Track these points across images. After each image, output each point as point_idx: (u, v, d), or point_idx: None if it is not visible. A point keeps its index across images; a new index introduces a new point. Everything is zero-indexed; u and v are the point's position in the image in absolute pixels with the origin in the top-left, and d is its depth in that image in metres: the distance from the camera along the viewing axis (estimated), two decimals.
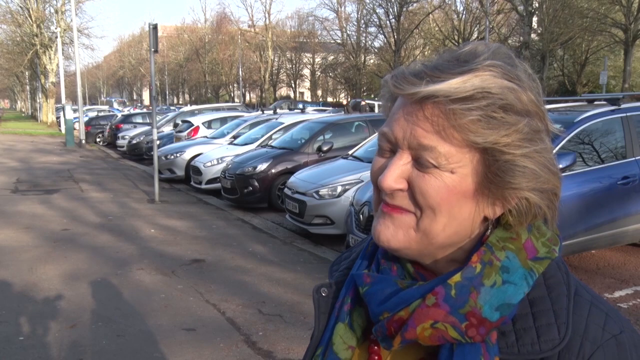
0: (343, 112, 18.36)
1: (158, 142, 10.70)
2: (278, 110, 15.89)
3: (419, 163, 0.65)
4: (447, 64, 0.64)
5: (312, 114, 13.22)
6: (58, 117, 33.24)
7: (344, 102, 22.90)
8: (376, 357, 0.74)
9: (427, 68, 0.65)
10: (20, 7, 36.61)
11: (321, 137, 9.11)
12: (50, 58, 35.35)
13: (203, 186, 10.53)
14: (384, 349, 0.73)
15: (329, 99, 55.90)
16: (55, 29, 29.61)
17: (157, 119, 14.47)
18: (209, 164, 10.51)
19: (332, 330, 0.77)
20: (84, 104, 41.40)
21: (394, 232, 0.67)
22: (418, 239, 0.67)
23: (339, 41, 48.91)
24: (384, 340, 0.70)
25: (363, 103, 21.77)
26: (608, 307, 0.69)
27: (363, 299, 0.73)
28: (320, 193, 6.78)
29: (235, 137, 12.11)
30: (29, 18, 35.88)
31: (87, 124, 24.40)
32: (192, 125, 14.93)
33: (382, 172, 0.67)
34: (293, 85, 58.07)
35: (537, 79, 0.67)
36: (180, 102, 67.64)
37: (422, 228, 0.66)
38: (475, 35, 34.93)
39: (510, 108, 0.62)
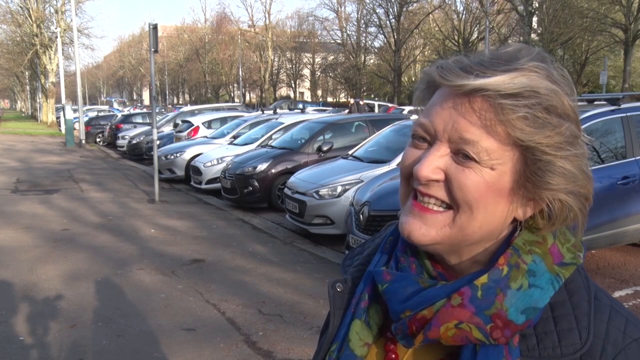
0: (347, 111, 18.41)
1: (158, 142, 10.70)
2: (278, 110, 15.90)
3: (459, 157, 0.65)
4: (491, 61, 0.64)
5: (312, 114, 13.22)
6: (58, 117, 33.23)
7: (351, 102, 23.01)
8: (393, 355, 0.74)
9: (471, 62, 0.65)
10: (20, 7, 36.64)
11: (321, 137, 9.11)
12: (50, 58, 35.36)
13: (203, 186, 10.53)
14: (403, 347, 0.73)
15: (329, 99, 55.91)
16: (55, 29, 29.62)
17: (157, 118, 14.48)
18: (209, 164, 10.51)
19: (348, 327, 0.76)
20: (84, 104, 41.38)
21: (426, 232, 0.67)
22: (452, 235, 0.67)
23: (339, 41, 48.92)
24: (404, 339, 0.70)
25: (362, 103, 21.83)
26: (627, 311, 0.70)
27: (381, 296, 0.73)
28: (320, 193, 6.78)
29: (235, 137, 12.11)
30: (29, 18, 35.88)
31: (87, 124, 24.39)
32: (192, 125, 14.93)
33: (416, 163, 0.67)
34: (293, 85, 58.07)
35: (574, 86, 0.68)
36: (181, 102, 67.63)
37: (459, 224, 0.66)
38: (475, 35, 34.94)
39: (554, 110, 0.63)
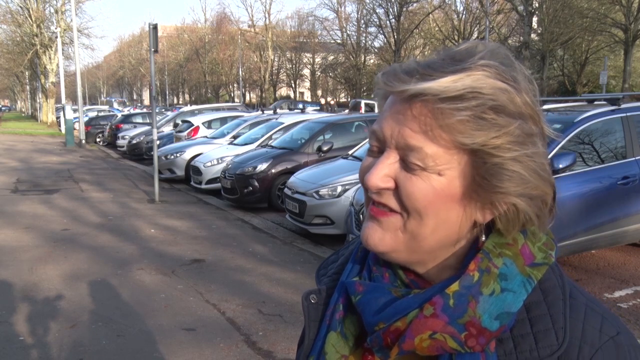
0: (347, 111, 18.48)
1: (158, 142, 10.70)
2: (278, 110, 15.91)
3: (407, 163, 0.63)
4: (441, 62, 0.62)
5: (313, 114, 13.23)
6: (58, 117, 33.27)
7: (360, 102, 23.16)
8: None
9: (419, 66, 0.63)
10: (20, 7, 36.66)
11: (321, 137, 9.11)
12: (50, 58, 35.36)
13: (203, 186, 10.53)
14: (380, 359, 0.71)
15: (329, 99, 55.91)
16: (55, 29, 29.61)
17: (157, 118, 14.47)
18: (209, 164, 10.52)
19: (323, 339, 0.75)
20: (84, 104, 41.40)
21: (382, 235, 0.66)
22: (406, 241, 0.65)
23: (339, 41, 48.93)
24: (380, 351, 0.69)
25: (332, 102, 22.00)
26: (602, 308, 0.69)
27: (355, 307, 0.71)
28: (320, 193, 6.78)
29: (235, 137, 12.11)
30: (29, 18, 35.90)
31: (87, 124, 24.41)
32: (192, 125, 14.93)
33: (368, 171, 0.66)
34: (293, 85, 58.07)
35: (535, 81, 0.65)
36: (180, 102, 67.66)
37: (410, 230, 0.65)
38: (475, 35, 34.93)
39: (502, 109, 0.60)
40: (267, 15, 51.68)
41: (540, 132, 0.64)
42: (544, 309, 0.65)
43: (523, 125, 0.61)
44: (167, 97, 66.15)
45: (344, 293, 0.74)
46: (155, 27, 9.16)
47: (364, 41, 47.68)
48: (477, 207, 0.65)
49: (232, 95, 57.74)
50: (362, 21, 46.49)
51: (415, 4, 38.51)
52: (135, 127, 20.76)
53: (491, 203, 0.64)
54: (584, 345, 0.64)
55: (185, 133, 14.62)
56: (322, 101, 23.94)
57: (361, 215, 5.46)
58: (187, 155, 11.88)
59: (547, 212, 0.66)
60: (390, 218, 0.66)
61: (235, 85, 57.22)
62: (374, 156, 0.68)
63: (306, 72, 57.53)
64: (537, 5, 28.13)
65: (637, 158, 5.33)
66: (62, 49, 29.61)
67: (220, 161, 10.38)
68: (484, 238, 0.67)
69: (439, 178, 0.62)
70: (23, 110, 72.57)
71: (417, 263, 0.68)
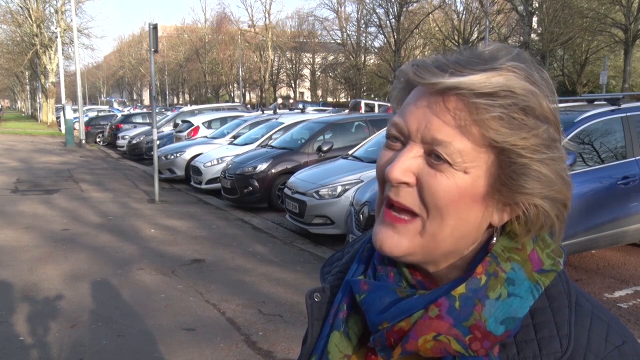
0: (347, 111, 18.50)
1: (158, 142, 10.70)
2: (278, 110, 15.91)
3: (431, 159, 0.63)
4: (469, 60, 0.63)
5: (312, 114, 13.23)
6: (58, 117, 33.26)
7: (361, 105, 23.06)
8: None
9: (448, 61, 0.63)
10: (20, 7, 36.65)
11: (321, 137, 9.11)
12: (50, 58, 35.36)
13: (203, 186, 10.53)
14: (382, 359, 0.71)
15: (329, 99, 55.93)
16: (55, 29, 29.60)
17: (157, 118, 14.48)
18: (209, 164, 10.52)
19: (326, 338, 0.74)
20: (84, 104, 41.40)
21: (398, 242, 0.65)
22: (424, 244, 0.65)
23: (339, 41, 48.92)
24: (383, 351, 0.69)
25: (292, 101, 22.04)
26: (609, 316, 0.68)
27: (359, 306, 0.71)
28: (320, 193, 6.78)
29: (235, 137, 12.11)
30: (29, 18, 35.89)
31: (87, 124, 24.40)
32: (192, 125, 14.93)
33: (388, 164, 0.65)
34: (293, 85, 58.07)
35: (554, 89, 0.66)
36: (180, 102, 67.65)
37: (430, 231, 0.64)
38: (475, 35, 34.93)
39: (531, 111, 0.61)
40: (267, 15, 51.73)
41: (559, 139, 0.65)
42: (549, 316, 0.64)
43: (549, 129, 0.62)
44: (167, 97, 66.12)
45: (349, 293, 0.74)
46: (155, 27, 9.16)
47: (364, 41, 47.69)
48: (497, 208, 0.65)
49: (232, 95, 57.74)
50: (362, 21, 46.52)
51: (415, 4, 38.51)
52: (135, 127, 20.76)
53: (514, 203, 0.64)
54: (589, 353, 0.63)
55: (185, 133, 14.62)
56: (280, 100, 24.19)
57: (361, 215, 5.46)
58: (187, 155, 11.89)
59: (566, 216, 0.66)
60: (407, 225, 0.65)
61: (235, 85, 57.22)
62: (393, 149, 0.67)
63: (306, 72, 57.54)
64: (537, 5, 28.14)
65: (637, 158, 5.33)
66: (62, 49, 29.61)
67: (220, 161, 10.38)
68: (494, 240, 0.66)
69: (464, 176, 0.62)
70: (23, 110, 72.56)
71: (430, 263, 0.68)
